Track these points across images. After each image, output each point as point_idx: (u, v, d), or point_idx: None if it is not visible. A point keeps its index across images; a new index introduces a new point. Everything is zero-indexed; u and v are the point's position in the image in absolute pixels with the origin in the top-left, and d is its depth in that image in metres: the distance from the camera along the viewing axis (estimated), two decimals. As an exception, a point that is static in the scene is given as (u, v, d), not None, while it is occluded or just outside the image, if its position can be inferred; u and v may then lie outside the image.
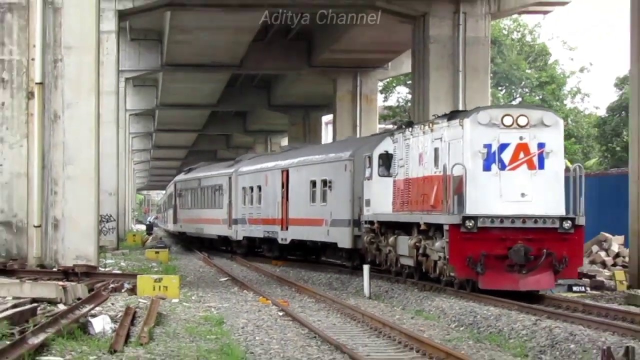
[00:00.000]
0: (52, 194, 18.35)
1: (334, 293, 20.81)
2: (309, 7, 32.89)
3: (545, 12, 34.18)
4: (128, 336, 11.23)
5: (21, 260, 18.46)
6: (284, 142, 66.97)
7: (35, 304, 13.01)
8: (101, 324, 12.04)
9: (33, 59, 17.98)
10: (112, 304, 15.33)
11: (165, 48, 38.38)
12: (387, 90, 54.13)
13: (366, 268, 19.57)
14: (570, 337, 10.44)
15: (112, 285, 17.68)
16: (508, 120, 14.13)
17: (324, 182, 25.46)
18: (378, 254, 20.92)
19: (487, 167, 14.21)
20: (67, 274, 17.81)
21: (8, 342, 9.47)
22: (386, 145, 20.84)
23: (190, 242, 43.18)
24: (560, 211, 14.35)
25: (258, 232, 30.58)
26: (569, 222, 14.03)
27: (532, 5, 30.61)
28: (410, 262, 18.00)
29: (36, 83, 18.05)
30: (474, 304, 14.95)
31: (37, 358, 9.46)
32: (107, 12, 29.13)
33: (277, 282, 24.08)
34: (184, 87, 49.30)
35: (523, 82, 52.29)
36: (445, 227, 14.41)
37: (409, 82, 42.33)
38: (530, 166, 14.22)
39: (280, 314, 15.80)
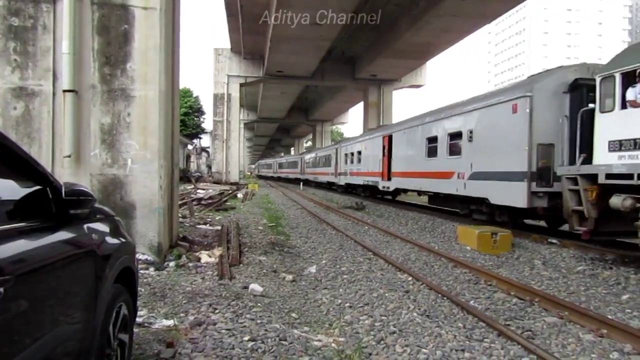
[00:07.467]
0: (226, 165, 43.38)
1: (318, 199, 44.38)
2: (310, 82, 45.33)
3: (417, 87, 45.87)
4: (246, 198, 28.91)
5: (220, 181, 42.59)
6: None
7: (223, 191, 31.09)
8: (240, 195, 30.93)
9: (224, 130, 43.99)
10: (241, 190, 36.40)
11: (265, 63, 39.51)
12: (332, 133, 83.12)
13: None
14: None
15: (242, 187, 41.91)
16: None
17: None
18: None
19: None
20: (231, 184, 41.46)
21: (216, 200, 23.90)
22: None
23: (302, 182, 55.38)
24: None
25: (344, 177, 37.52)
26: None
27: (407, 86, 45.35)
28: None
29: (225, 140, 43.38)
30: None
31: (225, 204, 23.13)
32: (233, 84, 43.76)
33: (283, 187, 47.04)
34: (272, 102, 59.91)
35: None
36: None
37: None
38: None
39: (288, 197, 37.17)
